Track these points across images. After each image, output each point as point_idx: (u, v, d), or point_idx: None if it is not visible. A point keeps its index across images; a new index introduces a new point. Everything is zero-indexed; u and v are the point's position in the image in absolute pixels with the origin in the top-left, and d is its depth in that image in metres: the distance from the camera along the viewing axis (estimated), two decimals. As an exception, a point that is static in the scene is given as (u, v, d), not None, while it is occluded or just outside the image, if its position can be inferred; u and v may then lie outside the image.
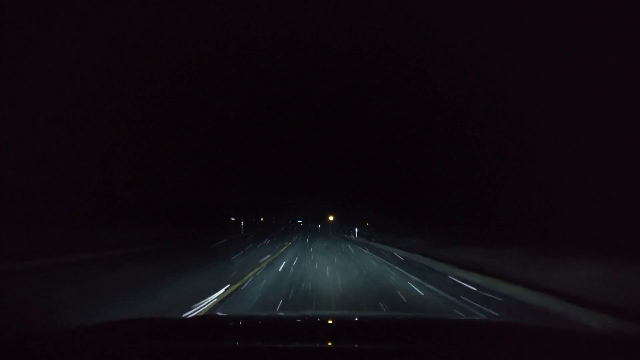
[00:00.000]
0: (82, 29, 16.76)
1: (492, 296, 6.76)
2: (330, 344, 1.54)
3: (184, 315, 4.64)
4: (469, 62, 20.11)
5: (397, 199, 34.48)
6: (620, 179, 10.72)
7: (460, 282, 8.49)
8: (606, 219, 10.25)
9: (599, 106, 12.04)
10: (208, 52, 25.47)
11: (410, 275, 9.30)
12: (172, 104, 24.92)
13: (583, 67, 12.90)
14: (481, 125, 19.07)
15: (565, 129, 13.37)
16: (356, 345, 1.50)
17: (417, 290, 7.23)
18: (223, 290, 6.56)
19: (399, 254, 16.37)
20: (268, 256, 13.34)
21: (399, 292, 6.84)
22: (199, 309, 5.12)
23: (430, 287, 7.62)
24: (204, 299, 5.74)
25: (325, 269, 10.22)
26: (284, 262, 11.55)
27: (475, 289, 7.54)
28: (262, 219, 78.70)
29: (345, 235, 37.14)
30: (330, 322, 2.16)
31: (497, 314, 5.35)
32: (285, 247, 18.41)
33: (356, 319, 2.43)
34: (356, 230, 35.66)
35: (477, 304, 5.96)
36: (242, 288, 6.92)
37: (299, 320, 2.25)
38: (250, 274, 8.76)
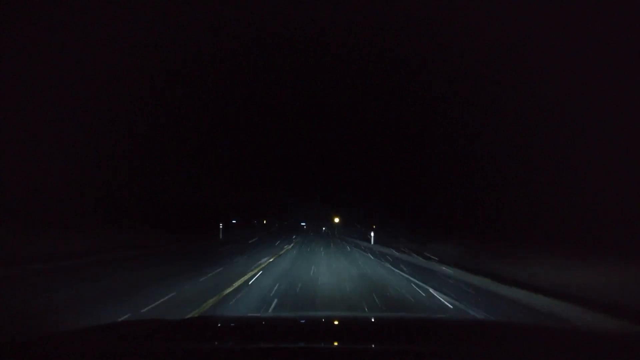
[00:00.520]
0: (82, 29, 16.92)
1: None
2: (336, 344, 1.54)
3: (185, 316, 4.45)
4: (469, 63, 19.95)
5: (403, 198, 32.42)
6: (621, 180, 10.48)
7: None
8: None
9: (599, 106, 11.83)
10: (208, 53, 25.61)
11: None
12: (172, 104, 25.05)
13: (583, 67, 12.70)
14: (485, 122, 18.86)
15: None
16: (362, 346, 1.48)
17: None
18: None
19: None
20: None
21: None
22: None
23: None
24: None
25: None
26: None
27: None
28: (264, 221, 78.49)
29: (358, 241, 28.21)
30: (335, 322, 2.16)
31: None
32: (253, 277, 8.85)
33: (360, 320, 2.42)
34: (372, 235, 25.76)
35: None
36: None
37: (302, 321, 2.22)
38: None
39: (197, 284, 7.42)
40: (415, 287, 7.99)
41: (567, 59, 13.47)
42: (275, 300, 6.12)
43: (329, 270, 10.49)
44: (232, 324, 2.06)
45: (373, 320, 2.44)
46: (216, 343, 1.55)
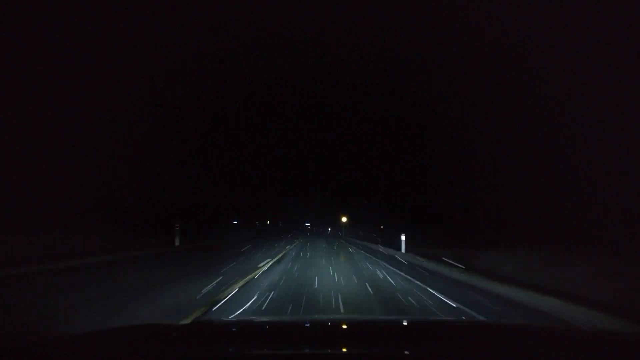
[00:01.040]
0: (82, 29, 16.90)
1: None
2: (344, 350, 1.49)
3: (186, 321, 4.36)
4: (469, 63, 19.92)
5: (423, 201, 27.71)
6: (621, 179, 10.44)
7: None
8: None
9: (599, 106, 11.80)
10: (208, 53, 25.58)
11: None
12: (172, 104, 25.03)
13: (584, 67, 12.67)
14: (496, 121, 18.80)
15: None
16: (370, 351, 1.45)
17: None
18: None
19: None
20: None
21: None
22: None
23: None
24: None
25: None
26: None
27: None
28: (268, 222, 77.87)
29: (372, 246, 23.20)
30: (342, 326, 2.13)
31: None
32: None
33: (367, 323, 2.39)
34: (402, 239, 18.68)
35: None
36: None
37: (307, 325, 2.17)
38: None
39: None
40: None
41: (568, 59, 13.45)
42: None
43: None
44: (234, 329, 2.01)
45: (380, 324, 2.41)
46: (217, 348, 1.50)
